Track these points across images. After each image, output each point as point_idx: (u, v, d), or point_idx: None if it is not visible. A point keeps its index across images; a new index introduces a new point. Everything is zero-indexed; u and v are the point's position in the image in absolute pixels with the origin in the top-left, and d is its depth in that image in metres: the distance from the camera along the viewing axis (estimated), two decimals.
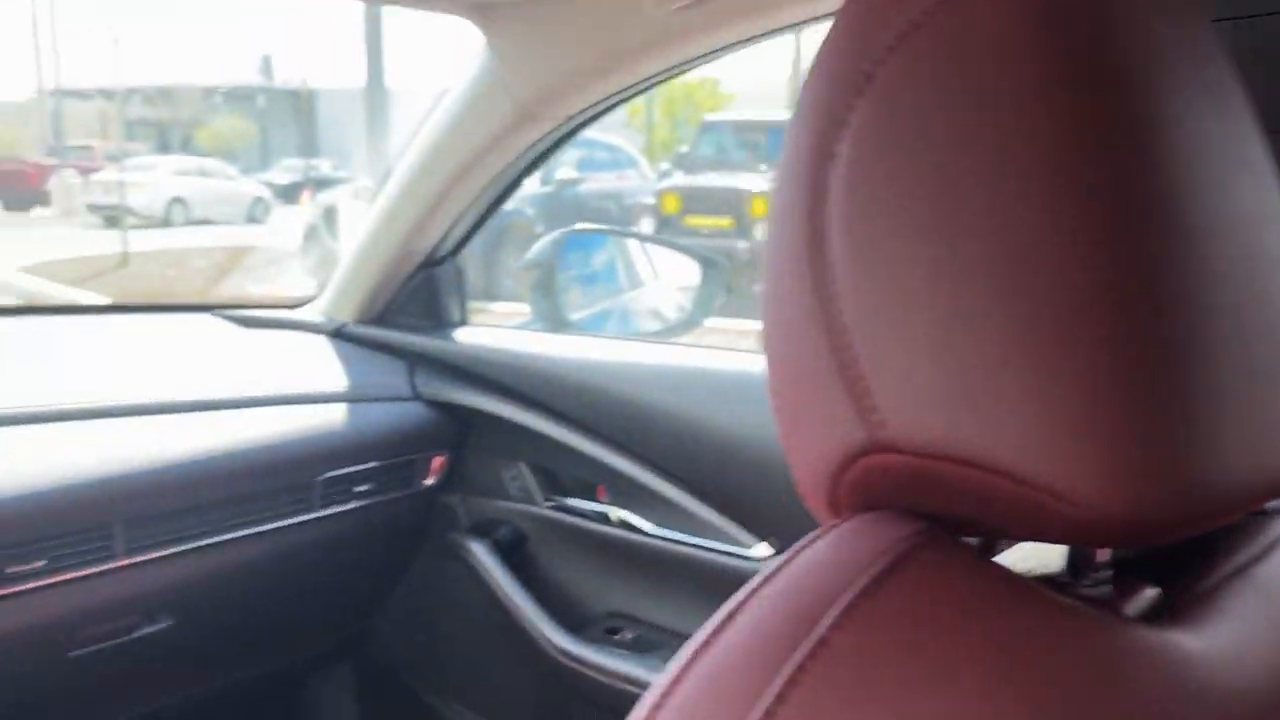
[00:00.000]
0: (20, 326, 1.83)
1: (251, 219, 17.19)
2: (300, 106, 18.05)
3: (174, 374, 1.50)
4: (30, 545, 1.27)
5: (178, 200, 16.19)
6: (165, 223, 15.49)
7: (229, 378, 1.51)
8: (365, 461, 1.56)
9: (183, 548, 1.40)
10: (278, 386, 1.52)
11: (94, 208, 15.69)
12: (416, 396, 1.63)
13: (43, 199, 17.32)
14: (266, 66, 27.32)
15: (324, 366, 1.63)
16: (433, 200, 1.56)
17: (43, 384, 1.41)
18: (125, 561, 1.34)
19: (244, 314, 1.91)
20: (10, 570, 1.25)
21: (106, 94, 17.61)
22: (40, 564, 1.28)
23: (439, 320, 1.74)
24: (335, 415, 1.54)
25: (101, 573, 1.33)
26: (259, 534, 1.48)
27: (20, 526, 1.25)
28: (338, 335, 1.78)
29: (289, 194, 19.67)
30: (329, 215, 9.36)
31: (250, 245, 13.06)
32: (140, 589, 1.39)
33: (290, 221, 15.23)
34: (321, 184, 16.05)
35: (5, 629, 1.27)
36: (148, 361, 1.60)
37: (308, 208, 11.58)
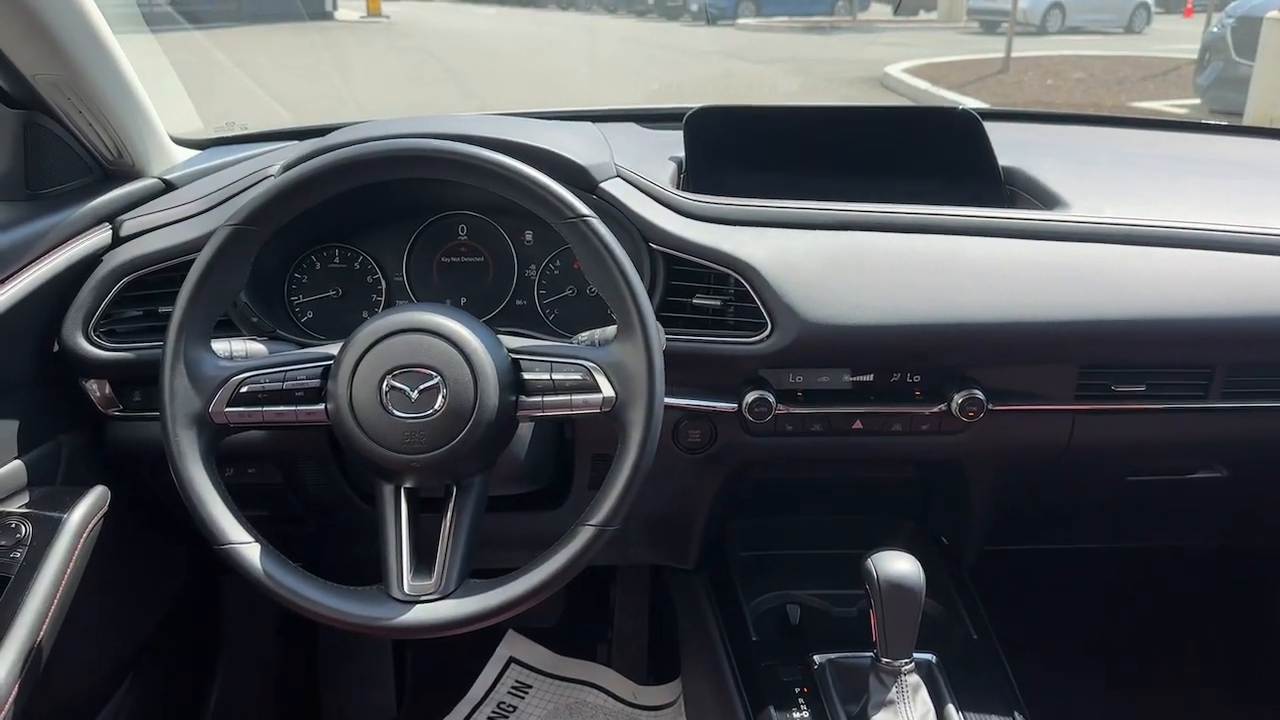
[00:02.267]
0: (1119, 138, 1.81)
1: (1129, 29, 16.01)
2: None
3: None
4: (1136, 369, 1.26)
5: (1056, 6, 15.70)
6: (1040, 29, 15.22)
7: None
8: None
9: (1272, 404, 1.27)
10: None
11: (973, 12, 16.05)
12: None
13: (928, 2, 18.27)
14: None
15: None
16: None
17: (1149, 201, 1.35)
18: (1214, 405, 1.27)
19: None
20: (1116, 389, 1.26)
21: None
22: (1140, 388, 1.26)
23: None
24: None
25: (1188, 410, 1.27)
26: None
27: (1142, 348, 1.24)
28: None
29: (1170, 1, 17.78)
30: (1242, 27, 8.12)
31: (1128, 56, 12.18)
32: (1212, 434, 1.31)
33: (1170, 31, 13.81)
34: None
35: (1091, 442, 1.31)
36: (1261, 192, 1.45)
37: (1212, 17, 10.23)
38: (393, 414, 1.02)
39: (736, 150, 1.44)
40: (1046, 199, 1.36)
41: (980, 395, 1.24)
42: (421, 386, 1.03)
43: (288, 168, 1.20)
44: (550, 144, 1.25)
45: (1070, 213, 1.30)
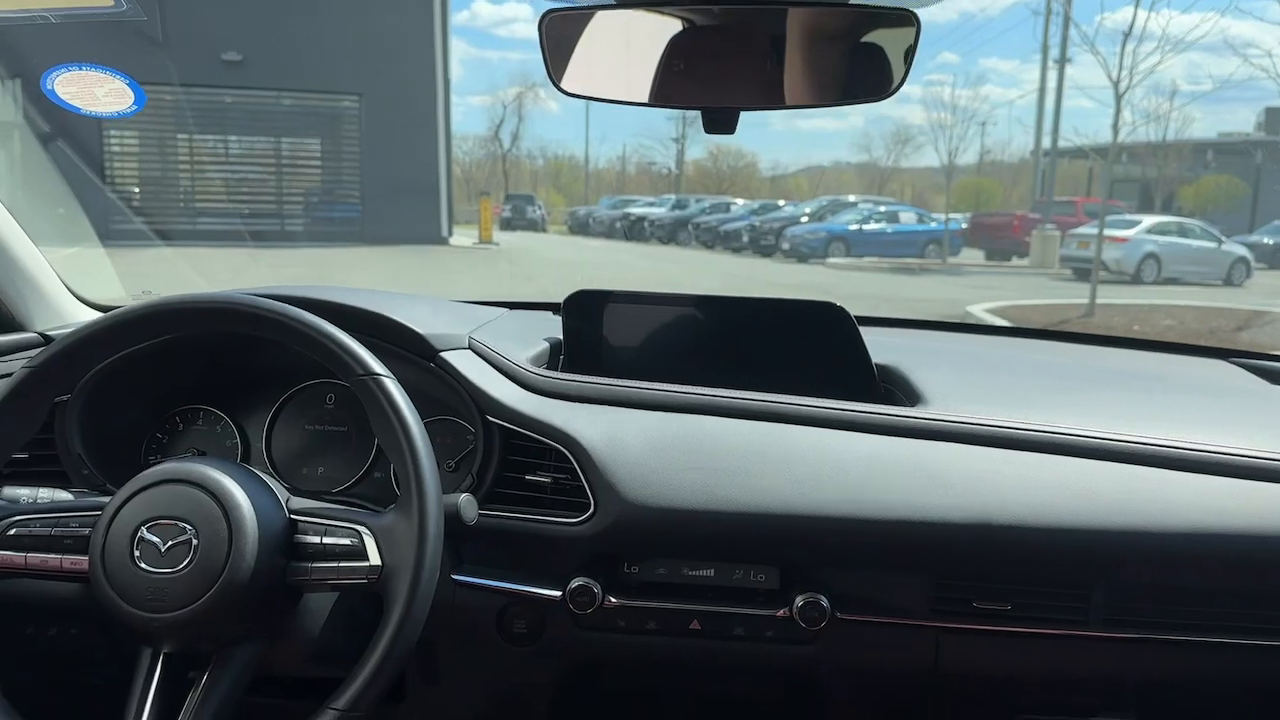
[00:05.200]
0: (1038, 351, 1.74)
1: (1228, 281, 15.87)
2: None
3: (1186, 423, 1.22)
4: (999, 584, 1.13)
5: (1151, 257, 15.75)
6: (1136, 279, 15.22)
7: (1261, 440, 1.17)
8: None
9: (1168, 636, 1.12)
10: None
11: (1067, 260, 16.19)
12: None
13: (1021, 249, 18.56)
14: (1273, 119, 25.01)
15: None
16: None
17: (1046, 407, 1.26)
18: (1096, 633, 1.12)
19: (1272, 366, 1.54)
20: (978, 605, 1.13)
21: (1099, 151, 18.04)
22: (1005, 607, 1.12)
23: None
24: None
25: (1066, 637, 1.12)
26: (1267, 648, 1.11)
27: (1001, 560, 1.12)
28: None
29: (1275, 257, 17.65)
30: None
31: (1222, 308, 11.99)
32: (1101, 669, 1.15)
33: (1273, 286, 13.61)
34: None
35: (962, 668, 1.16)
36: (1157, 403, 1.35)
37: None
38: (139, 567, 0.97)
39: (613, 334, 1.42)
40: (914, 397, 1.28)
41: (824, 601, 1.13)
42: (173, 540, 0.98)
43: None
44: (393, 312, 1.26)
45: (931, 410, 1.22)
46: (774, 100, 0.92)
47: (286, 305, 1.06)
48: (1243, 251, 16.61)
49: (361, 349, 1.05)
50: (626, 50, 0.92)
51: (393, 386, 1.03)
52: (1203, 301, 12.61)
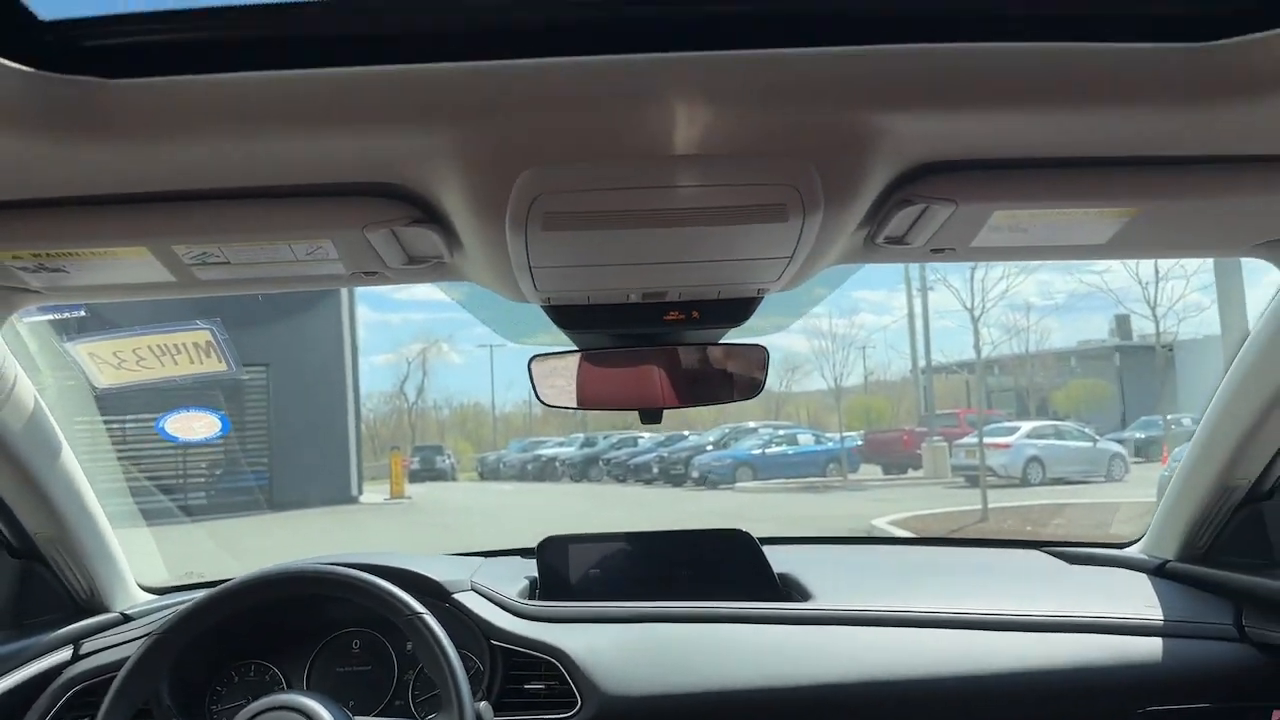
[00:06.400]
0: (899, 554, 2.22)
1: (1109, 476, 16.91)
2: (1158, 361, 17.62)
3: (997, 597, 1.69)
4: None
5: (1034, 460, 16.76)
6: (1023, 481, 16.10)
7: (1048, 605, 1.64)
8: (1189, 701, 1.52)
9: None
10: (1096, 616, 1.59)
11: (957, 469, 17.13)
12: (1244, 639, 1.54)
13: (915, 461, 19.56)
14: (1123, 326, 27.43)
15: (1144, 601, 1.65)
16: (1250, 429, 1.52)
17: (903, 595, 1.70)
18: None
19: (1070, 551, 2.03)
20: None
21: (969, 367, 19.57)
22: None
23: (1270, 559, 1.63)
24: (1154, 649, 1.54)
25: None
26: None
27: (878, 708, 1.52)
28: (1160, 573, 1.78)
29: (1149, 450, 18.92)
30: None
31: (1104, 502, 12.82)
32: None
33: (1149, 478, 14.59)
34: (1183, 438, 15.14)
35: None
36: (982, 585, 1.81)
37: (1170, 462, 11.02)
38: None
39: (577, 567, 1.84)
40: (805, 595, 1.72)
41: None
42: None
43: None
44: (415, 567, 1.65)
45: (818, 603, 1.66)
46: (684, 401, 1.43)
47: (353, 570, 1.45)
48: (1117, 448, 17.78)
49: (406, 595, 1.44)
50: (584, 377, 1.42)
51: (432, 622, 1.41)
52: (1088, 498, 13.42)
